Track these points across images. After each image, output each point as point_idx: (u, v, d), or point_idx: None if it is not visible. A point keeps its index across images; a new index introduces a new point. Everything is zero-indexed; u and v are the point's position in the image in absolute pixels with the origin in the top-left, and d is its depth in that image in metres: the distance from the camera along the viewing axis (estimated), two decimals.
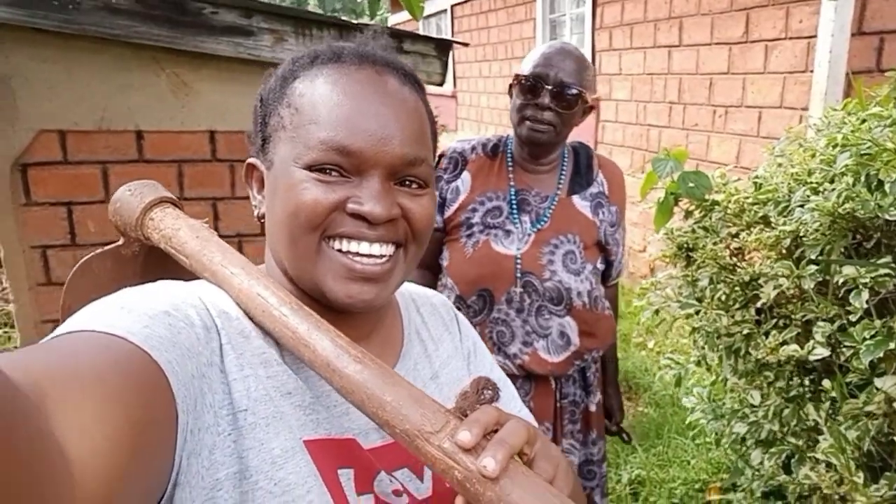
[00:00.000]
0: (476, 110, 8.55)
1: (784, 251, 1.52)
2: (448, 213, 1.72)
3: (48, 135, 2.71)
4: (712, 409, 1.98)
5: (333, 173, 0.68)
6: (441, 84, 3.28)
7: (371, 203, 0.67)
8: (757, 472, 1.79)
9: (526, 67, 1.67)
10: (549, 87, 1.61)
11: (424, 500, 0.73)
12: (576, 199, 1.73)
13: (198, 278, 0.76)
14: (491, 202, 1.69)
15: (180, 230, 0.78)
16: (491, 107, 8.11)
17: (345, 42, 0.76)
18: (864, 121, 1.46)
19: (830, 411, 1.46)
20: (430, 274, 1.82)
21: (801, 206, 1.42)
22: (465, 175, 1.73)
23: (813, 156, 1.48)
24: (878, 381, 1.29)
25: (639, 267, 5.15)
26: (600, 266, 1.76)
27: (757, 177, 1.69)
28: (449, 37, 4.73)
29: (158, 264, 0.85)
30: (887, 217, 1.23)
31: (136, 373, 0.52)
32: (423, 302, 0.93)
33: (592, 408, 1.78)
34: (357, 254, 0.69)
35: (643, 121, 5.11)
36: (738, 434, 1.78)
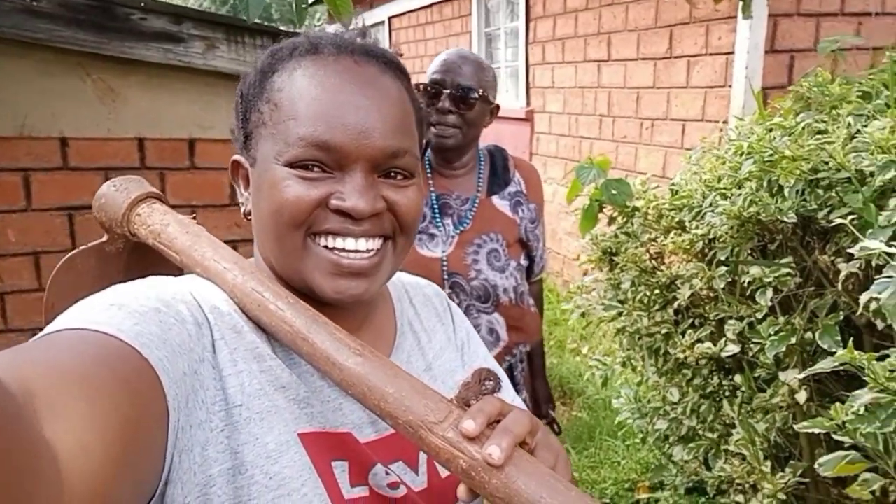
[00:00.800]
0: None
1: (698, 254, 1.61)
2: None
3: None
4: (638, 408, 2.06)
5: (315, 169, 0.67)
6: None
7: (354, 198, 0.66)
8: (680, 469, 1.87)
9: (427, 75, 1.71)
10: (448, 91, 1.66)
11: (421, 492, 0.73)
12: (495, 199, 1.79)
13: (183, 274, 0.75)
14: None
15: (169, 226, 0.77)
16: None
17: (322, 32, 0.74)
18: (770, 130, 1.56)
19: (742, 406, 1.55)
20: None
21: (712, 210, 1.51)
22: None
23: (723, 163, 1.57)
24: (781, 375, 1.38)
25: (573, 276, 5.28)
26: (524, 262, 1.82)
27: (674, 184, 1.78)
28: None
29: (143, 260, 0.84)
30: (786, 220, 1.32)
31: (126, 371, 0.51)
32: (416, 292, 0.91)
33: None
34: (343, 249, 0.68)
35: (575, 133, 5.25)
36: (661, 431, 1.86)
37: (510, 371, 1.81)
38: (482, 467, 0.54)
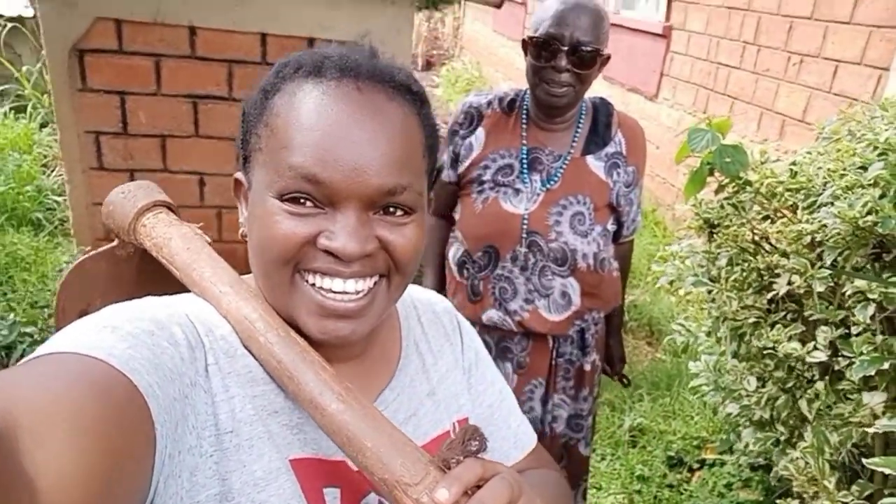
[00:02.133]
0: None
1: (805, 247, 1.49)
2: (461, 168, 1.72)
3: (105, 22, 2.75)
4: (715, 379, 2.00)
5: (307, 203, 0.64)
6: (499, 6, 3.16)
7: (343, 239, 0.63)
8: (745, 449, 1.84)
9: (539, 27, 1.59)
10: (566, 49, 1.55)
11: None
12: (590, 158, 1.70)
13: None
14: (503, 159, 1.68)
15: (172, 240, 0.76)
16: None
17: (331, 49, 0.70)
18: None
19: (820, 412, 1.48)
20: (447, 225, 1.85)
21: (830, 204, 1.38)
22: (480, 131, 1.71)
23: (853, 154, 1.41)
24: (866, 396, 1.29)
25: (685, 213, 5.06)
26: (611, 227, 1.75)
27: (794, 163, 1.63)
28: None
29: (154, 265, 0.83)
30: None
31: (114, 398, 0.51)
32: (426, 309, 0.89)
33: (587, 367, 1.82)
34: (330, 290, 0.65)
35: (714, 58, 4.85)
36: (732, 415, 1.82)
37: (581, 334, 1.79)
38: None
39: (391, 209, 0.67)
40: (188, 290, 0.73)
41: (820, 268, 1.37)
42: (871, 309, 1.27)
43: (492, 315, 1.74)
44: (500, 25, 9.54)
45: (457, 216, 1.77)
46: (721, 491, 2.41)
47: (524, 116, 1.70)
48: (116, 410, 0.51)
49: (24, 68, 6.04)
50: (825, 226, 1.35)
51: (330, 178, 0.63)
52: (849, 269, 1.32)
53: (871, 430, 1.25)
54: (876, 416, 1.28)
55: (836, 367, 1.40)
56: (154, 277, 0.80)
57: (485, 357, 0.92)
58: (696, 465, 2.67)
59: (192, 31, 2.82)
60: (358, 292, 0.66)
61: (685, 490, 2.56)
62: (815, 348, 1.39)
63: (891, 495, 1.21)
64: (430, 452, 0.61)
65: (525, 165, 1.67)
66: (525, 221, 1.66)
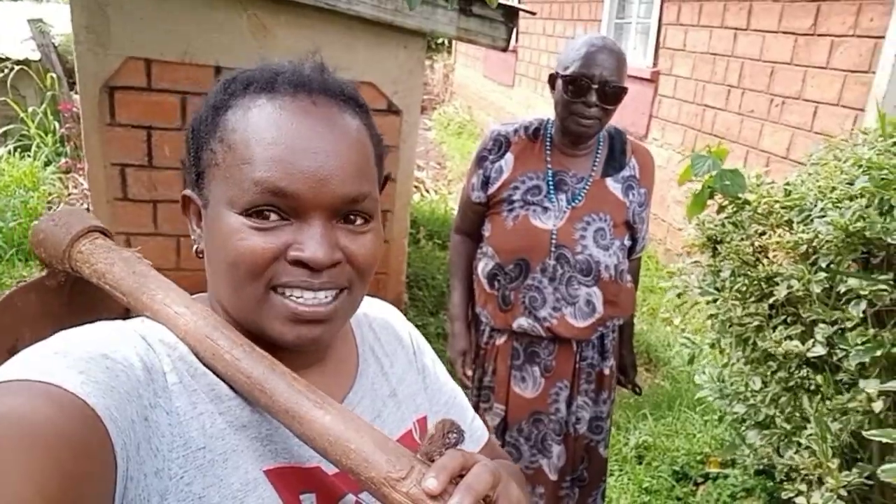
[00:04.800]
0: (535, 68, 8.55)
1: (801, 256, 1.66)
2: (492, 189, 1.90)
3: (135, 62, 2.93)
4: (719, 388, 2.15)
5: (272, 216, 0.65)
6: (505, 49, 3.39)
7: (313, 247, 0.65)
8: (752, 451, 1.97)
9: (570, 65, 1.77)
10: (596, 87, 1.74)
11: None
12: (609, 180, 1.90)
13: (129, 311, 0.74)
14: (531, 181, 1.86)
15: (114, 265, 0.74)
16: (551, 66, 8.11)
17: (280, 65, 0.72)
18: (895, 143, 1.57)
19: (820, 404, 1.63)
20: (472, 242, 2.02)
21: (821, 216, 1.56)
22: (509, 156, 1.89)
23: (840, 172, 1.60)
24: (862, 383, 1.45)
25: (675, 246, 5.26)
26: (627, 242, 1.93)
27: (788, 183, 1.82)
28: None
29: (85, 292, 0.81)
30: (889, 240, 1.37)
31: (70, 423, 0.51)
32: (376, 315, 0.91)
33: (606, 371, 1.98)
34: (301, 297, 0.67)
35: (700, 100, 5.13)
36: (739, 414, 1.96)
37: (601, 339, 1.95)
38: None
39: (352, 217, 0.69)
40: (122, 318, 0.72)
41: (816, 271, 1.53)
42: (864, 304, 1.44)
43: (522, 322, 1.90)
44: (491, 72, 9.90)
45: (486, 234, 1.93)
46: (726, 500, 2.53)
47: (548, 143, 1.89)
48: (73, 434, 0.51)
49: (30, 109, 6.21)
50: (819, 234, 1.53)
51: (296, 189, 0.64)
52: (842, 271, 1.49)
53: (873, 407, 1.40)
54: (871, 401, 1.43)
55: (835, 359, 1.56)
56: (86, 307, 0.80)
57: (435, 358, 0.96)
58: (700, 479, 2.80)
59: (217, 69, 3.01)
60: (327, 296, 0.68)
61: (692, 501, 2.68)
62: (815, 344, 1.55)
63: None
64: None
65: (552, 186, 1.85)
66: (554, 236, 1.83)
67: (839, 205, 1.52)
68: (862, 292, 1.44)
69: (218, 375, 0.66)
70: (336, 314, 0.69)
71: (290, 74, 0.69)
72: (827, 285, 1.55)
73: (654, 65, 5.74)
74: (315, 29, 3.02)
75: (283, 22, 3.00)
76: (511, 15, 3.30)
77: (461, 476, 0.57)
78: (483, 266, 1.96)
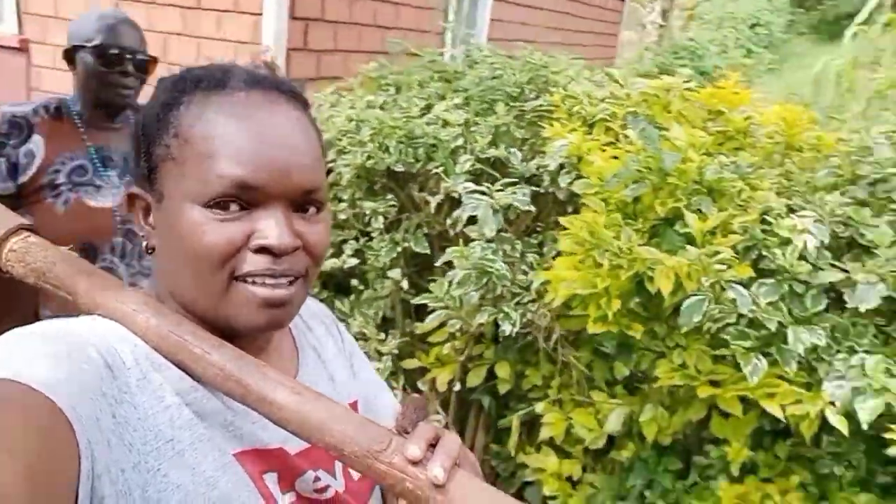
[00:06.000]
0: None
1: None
2: (25, 177, 1.74)
3: None
4: None
5: (232, 207, 0.67)
6: None
7: (276, 233, 0.67)
8: None
9: (94, 37, 1.77)
10: (129, 57, 1.80)
11: (344, 494, 0.78)
12: None
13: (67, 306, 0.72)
14: (73, 161, 1.79)
15: (56, 264, 0.72)
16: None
17: (229, 65, 0.73)
18: (369, 106, 2.19)
19: (357, 300, 2.19)
20: None
21: (335, 160, 2.07)
22: (37, 138, 1.76)
23: (350, 120, 2.12)
24: (390, 273, 2.05)
25: None
26: None
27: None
28: None
29: (5, 287, 0.78)
30: (395, 169, 1.97)
31: (36, 419, 0.52)
32: (304, 309, 0.91)
33: None
34: (265, 284, 0.69)
35: None
36: None
37: None
38: (427, 486, 0.60)
39: (306, 207, 0.71)
40: (44, 319, 0.71)
41: (339, 202, 2.04)
42: (381, 220, 2.02)
43: None
44: None
45: None
46: None
47: (77, 121, 1.82)
48: (39, 431, 0.51)
49: None
50: (340, 174, 2.03)
51: (261, 180, 0.67)
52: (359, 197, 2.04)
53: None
54: (398, 283, 2.05)
55: (365, 268, 2.12)
56: (7, 300, 0.78)
57: (357, 346, 1.02)
58: None
59: None
60: (288, 282, 0.71)
61: None
62: (348, 258, 2.08)
63: None
64: None
65: (98, 163, 1.81)
66: (117, 214, 1.81)
67: (350, 149, 2.04)
68: (378, 210, 2.01)
69: (183, 369, 0.67)
70: (295, 299, 0.72)
71: (242, 72, 0.72)
72: (352, 212, 2.08)
73: (20, 31, 5.28)
74: None
75: None
76: None
77: (433, 445, 0.63)
78: None
